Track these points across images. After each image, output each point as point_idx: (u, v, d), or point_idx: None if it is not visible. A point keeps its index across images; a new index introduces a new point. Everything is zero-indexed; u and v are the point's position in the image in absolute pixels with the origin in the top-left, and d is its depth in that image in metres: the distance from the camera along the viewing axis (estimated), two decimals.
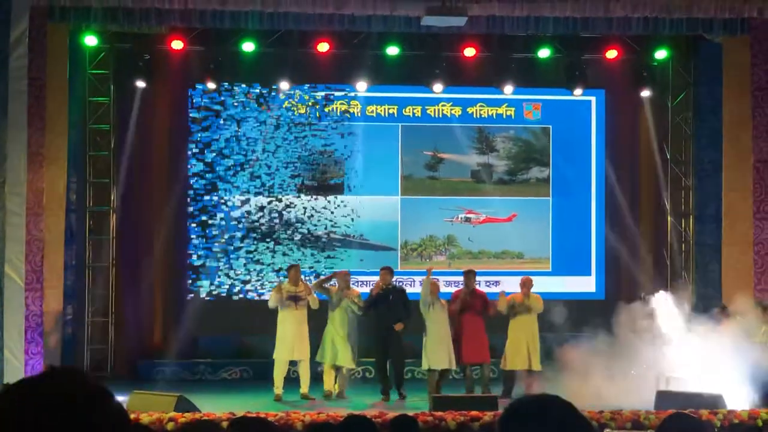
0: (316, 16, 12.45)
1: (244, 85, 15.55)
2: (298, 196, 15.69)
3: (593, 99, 16.17)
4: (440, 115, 16.02)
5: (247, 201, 15.61)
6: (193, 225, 15.53)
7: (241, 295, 15.55)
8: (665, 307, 12.29)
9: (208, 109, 15.56)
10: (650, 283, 15.41)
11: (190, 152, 15.53)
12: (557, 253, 16.16)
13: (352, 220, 15.80)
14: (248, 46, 14.40)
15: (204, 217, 15.55)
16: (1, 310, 11.87)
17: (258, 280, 15.53)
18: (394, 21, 12.65)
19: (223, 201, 15.58)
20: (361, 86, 15.15)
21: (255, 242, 15.61)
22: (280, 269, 15.20)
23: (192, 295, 15.44)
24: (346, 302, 12.83)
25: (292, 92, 15.49)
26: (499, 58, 14.96)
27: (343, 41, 14.48)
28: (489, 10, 12.41)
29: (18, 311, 11.93)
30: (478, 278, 13.64)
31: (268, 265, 15.54)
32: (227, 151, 15.60)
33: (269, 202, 15.64)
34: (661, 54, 15.23)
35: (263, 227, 15.65)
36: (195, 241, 15.53)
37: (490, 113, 16.12)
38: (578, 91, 15.37)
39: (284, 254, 15.59)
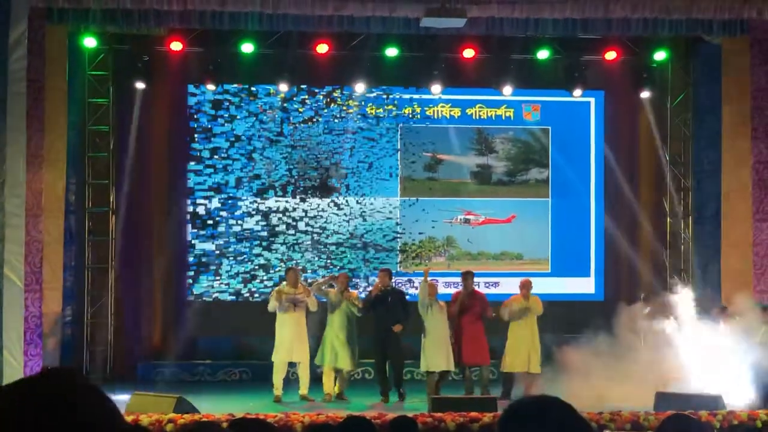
0: (315, 18, 12.45)
1: (243, 86, 15.55)
2: (298, 198, 15.68)
3: (592, 100, 16.18)
4: (439, 117, 16.03)
5: (247, 202, 15.61)
6: (193, 226, 15.52)
7: (240, 297, 15.55)
8: (672, 309, 12.29)
9: (207, 110, 15.56)
10: (649, 284, 15.42)
11: (189, 153, 15.53)
12: (556, 255, 16.17)
13: (349, 222, 15.80)
14: (247, 48, 14.40)
15: (203, 218, 15.55)
16: (0, 312, 11.85)
17: (257, 282, 15.53)
18: (393, 22, 12.65)
19: (222, 202, 15.58)
20: (360, 87, 15.16)
21: (254, 244, 15.60)
22: (279, 270, 15.19)
23: (191, 296, 15.44)
24: (346, 304, 12.83)
25: (292, 93, 15.50)
26: (498, 60, 14.96)
27: (342, 42, 14.48)
28: (488, 12, 12.41)
29: (17, 312, 11.92)
30: (477, 279, 13.64)
31: (268, 266, 15.54)
32: (226, 152, 15.60)
33: (268, 204, 15.63)
34: (660, 55, 15.24)
35: (262, 229, 15.64)
36: (194, 243, 15.52)
37: (489, 114, 16.13)
38: (577, 93, 15.38)
39: (283, 256, 15.59)
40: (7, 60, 11.96)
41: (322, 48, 14.33)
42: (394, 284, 13.70)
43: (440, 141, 16.02)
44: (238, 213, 15.61)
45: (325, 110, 15.77)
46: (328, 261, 15.68)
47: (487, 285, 15.68)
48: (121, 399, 10.37)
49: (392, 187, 15.93)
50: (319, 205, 15.73)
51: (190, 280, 15.48)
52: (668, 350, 11.86)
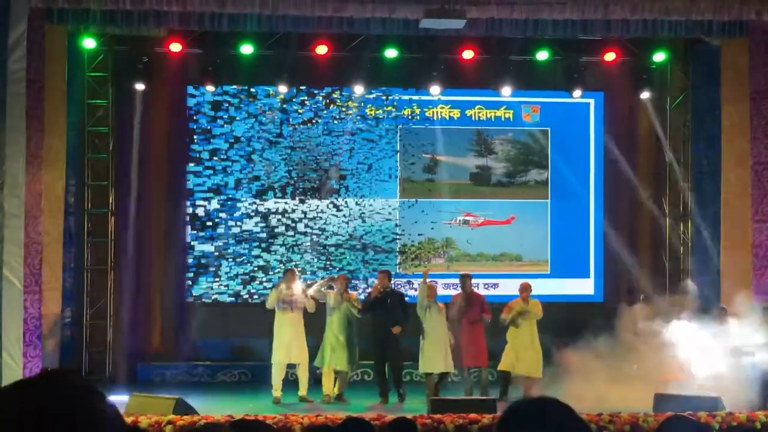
0: (314, 19, 12.44)
1: (242, 88, 15.56)
2: (297, 199, 15.68)
3: (592, 101, 16.19)
4: (439, 118, 16.03)
5: (246, 204, 15.61)
6: (192, 227, 15.52)
7: (239, 298, 15.55)
8: (671, 310, 12.29)
9: (206, 111, 15.56)
10: (649, 286, 15.42)
11: (188, 154, 15.53)
12: (556, 256, 16.17)
13: (348, 223, 15.79)
14: (247, 49, 14.40)
15: (202, 220, 15.55)
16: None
17: (257, 283, 15.52)
18: (393, 23, 12.65)
19: (221, 203, 15.58)
20: (360, 89, 15.16)
21: (253, 245, 15.60)
22: (279, 272, 15.19)
23: (191, 297, 15.44)
24: (346, 306, 12.83)
25: (291, 95, 15.50)
26: (497, 61, 14.97)
27: (341, 44, 14.48)
28: (487, 13, 12.41)
29: (16, 314, 11.91)
30: (476, 281, 13.64)
31: (267, 268, 15.53)
32: (225, 154, 15.60)
33: (268, 205, 15.63)
34: (659, 56, 15.25)
35: (261, 230, 15.64)
36: (193, 244, 15.52)
37: (488, 116, 16.13)
38: (577, 94, 15.39)
39: (282, 257, 15.59)
40: (6, 60, 11.96)
41: (322, 49, 14.33)
42: (393, 286, 13.70)
43: (439, 142, 16.02)
44: (237, 214, 15.61)
45: (325, 111, 15.77)
46: (328, 262, 15.68)
47: (486, 286, 15.69)
48: (120, 400, 10.37)
49: (391, 189, 15.93)
50: (318, 206, 15.73)
51: (190, 282, 15.48)
52: (668, 351, 11.86)
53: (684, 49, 15.35)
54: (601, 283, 16.21)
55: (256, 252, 15.61)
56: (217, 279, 15.54)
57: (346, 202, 15.79)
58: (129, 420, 8.96)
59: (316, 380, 13.18)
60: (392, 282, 13.65)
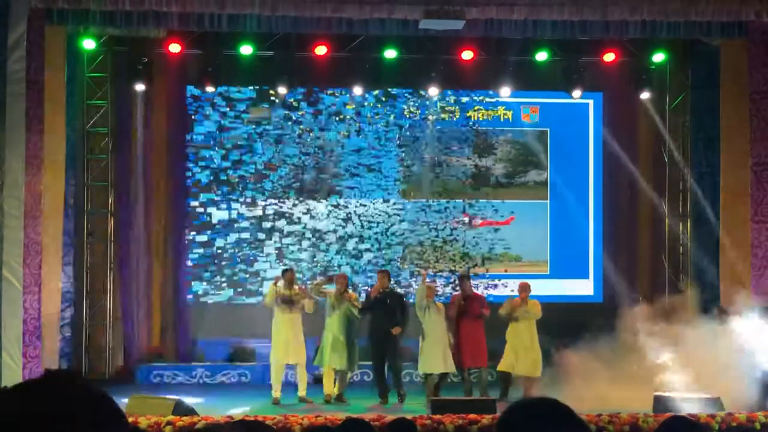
0: (313, 20, 12.44)
1: (242, 88, 15.56)
2: (297, 200, 15.69)
3: (591, 102, 16.20)
4: (438, 118, 16.03)
5: (246, 204, 15.62)
6: (191, 228, 15.52)
7: (239, 299, 15.55)
8: (670, 311, 12.28)
9: (205, 112, 15.57)
10: (648, 286, 15.43)
11: (187, 155, 15.54)
12: (555, 256, 16.17)
13: (348, 223, 15.80)
14: (246, 50, 14.40)
15: (202, 220, 15.56)
16: None
17: (256, 284, 15.52)
18: (392, 24, 12.64)
19: (221, 204, 15.58)
20: (359, 89, 15.17)
21: (253, 246, 15.61)
22: (278, 269, 15.19)
23: (190, 298, 15.44)
24: (346, 306, 12.82)
25: (291, 95, 15.50)
26: (496, 61, 14.97)
27: (341, 44, 14.48)
28: (487, 14, 12.41)
29: (16, 314, 11.90)
30: (476, 281, 13.64)
31: (267, 268, 15.53)
32: (225, 155, 15.60)
33: (268, 206, 15.63)
34: (658, 57, 15.25)
35: (262, 230, 15.65)
36: (193, 245, 15.53)
37: (487, 116, 16.14)
38: (576, 94, 15.39)
39: (282, 258, 15.59)
40: (6, 61, 11.95)
41: (321, 50, 14.33)
42: (392, 286, 13.70)
43: (439, 143, 16.02)
44: (237, 215, 15.61)
45: (324, 112, 15.77)
46: (328, 263, 15.68)
47: (486, 287, 15.69)
48: (119, 401, 10.35)
49: (391, 189, 15.93)
50: (318, 207, 15.73)
51: (189, 283, 15.48)
52: (667, 352, 11.86)
53: (683, 49, 15.35)
54: (600, 283, 16.22)
55: (256, 253, 15.61)
56: (216, 280, 15.54)
57: (345, 203, 15.79)
58: (128, 421, 8.95)
59: (316, 380, 13.18)
60: (392, 282, 13.65)
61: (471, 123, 16.08)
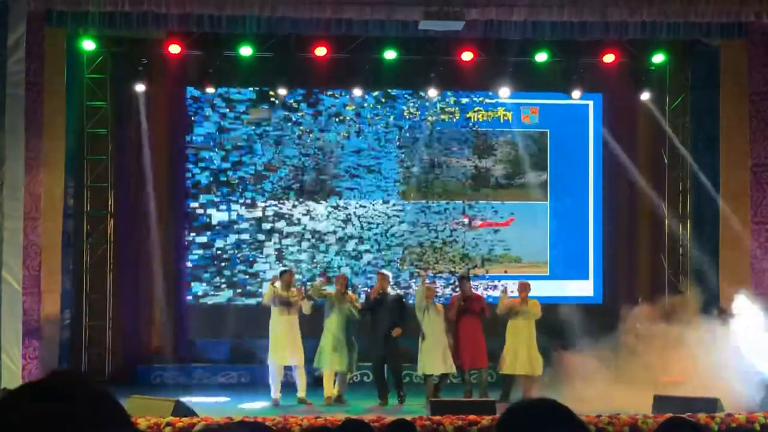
0: (313, 21, 12.45)
1: (242, 89, 15.56)
2: (297, 201, 15.69)
3: (590, 103, 16.19)
4: (438, 119, 16.03)
5: (246, 205, 15.61)
6: (191, 229, 15.52)
7: (238, 300, 15.55)
8: (671, 312, 12.29)
9: (205, 113, 15.57)
10: (648, 287, 15.42)
11: (187, 156, 15.54)
12: (555, 257, 16.17)
13: (346, 224, 15.79)
14: (246, 51, 14.40)
15: (202, 221, 15.55)
16: None
17: (256, 285, 15.52)
18: (392, 25, 12.65)
19: (221, 205, 15.58)
20: (359, 90, 15.18)
21: (253, 247, 15.61)
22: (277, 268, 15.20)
23: (190, 299, 15.43)
24: (348, 306, 12.81)
25: (291, 96, 15.50)
26: (496, 62, 14.97)
27: (340, 45, 14.47)
28: (486, 15, 12.42)
29: (15, 316, 11.91)
30: (476, 282, 13.64)
31: (266, 269, 15.53)
32: (225, 156, 15.60)
33: (267, 207, 15.63)
34: (658, 58, 15.25)
35: (261, 231, 15.65)
36: (193, 246, 15.52)
37: (487, 117, 16.14)
38: (576, 95, 15.39)
39: (282, 259, 15.59)
40: (5, 63, 11.96)
41: (321, 51, 14.33)
42: (391, 288, 13.70)
43: (439, 144, 16.02)
44: (236, 216, 15.61)
45: (324, 113, 15.78)
46: (327, 264, 15.67)
47: (485, 288, 15.69)
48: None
49: (391, 190, 15.93)
50: (318, 208, 15.73)
51: (189, 284, 15.47)
52: (667, 353, 11.85)
53: (683, 50, 15.34)
54: (600, 284, 16.21)
55: (255, 253, 15.61)
56: (216, 280, 15.54)
57: (345, 204, 15.79)
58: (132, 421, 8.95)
59: (316, 382, 13.18)
60: (391, 283, 13.66)
61: (471, 124, 16.08)
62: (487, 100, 15.96)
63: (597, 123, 16.26)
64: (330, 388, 12.75)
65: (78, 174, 14.45)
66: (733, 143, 13.37)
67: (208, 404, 12.11)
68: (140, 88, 14.66)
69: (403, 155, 15.95)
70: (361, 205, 15.81)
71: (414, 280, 15.49)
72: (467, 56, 14.50)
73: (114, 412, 1.66)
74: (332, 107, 15.80)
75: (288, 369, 12.92)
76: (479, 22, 12.56)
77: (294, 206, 15.69)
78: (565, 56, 15.01)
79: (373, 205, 15.85)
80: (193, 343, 15.23)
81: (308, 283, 14.49)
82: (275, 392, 12.62)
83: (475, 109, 16.10)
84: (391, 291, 13.43)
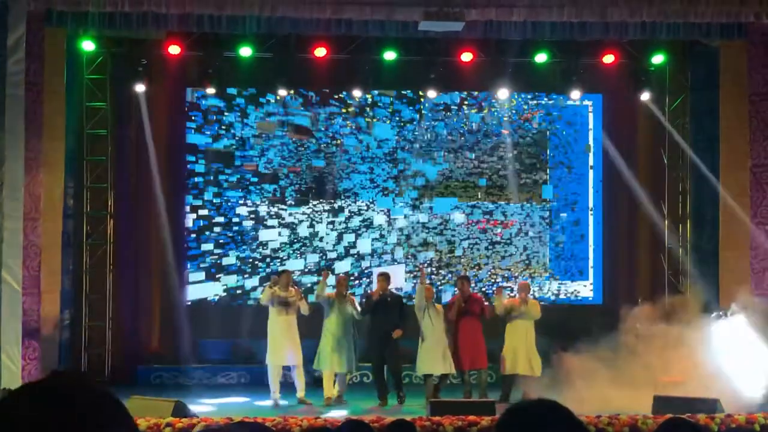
0: (313, 21, 12.45)
1: (242, 90, 15.56)
2: (297, 201, 15.68)
3: (590, 103, 16.20)
4: (437, 120, 16.03)
5: (245, 206, 15.62)
6: (191, 230, 15.52)
7: (238, 301, 15.55)
8: (671, 312, 12.28)
9: (205, 114, 15.57)
10: (648, 287, 15.42)
11: (187, 157, 15.54)
12: (555, 258, 16.17)
13: (346, 225, 15.80)
14: (245, 51, 14.40)
15: (201, 222, 15.55)
16: None
17: (256, 285, 15.52)
18: (392, 26, 12.65)
19: (220, 206, 15.58)
20: (359, 91, 15.18)
21: (252, 247, 15.61)
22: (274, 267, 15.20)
23: (190, 300, 15.43)
24: (348, 307, 12.81)
25: (291, 96, 15.51)
26: (496, 63, 14.96)
27: (340, 46, 14.47)
28: (486, 15, 12.41)
29: (15, 316, 11.91)
30: (476, 283, 13.63)
31: (266, 270, 15.53)
32: (225, 156, 15.60)
33: (267, 208, 15.63)
34: (658, 59, 15.24)
35: (261, 232, 15.64)
36: (192, 246, 15.52)
37: (487, 118, 16.13)
38: (576, 96, 15.39)
39: (282, 259, 15.58)
40: (5, 63, 11.96)
41: (321, 51, 14.33)
42: (391, 289, 13.70)
43: (438, 145, 16.02)
44: (236, 217, 15.61)
45: (324, 113, 15.78)
46: (328, 265, 15.66)
47: (485, 289, 15.69)
48: None
49: (390, 191, 15.92)
50: (317, 208, 15.73)
51: (189, 284, 15.47)
52: (667, 353, 11.85)
53: (683, 51, 15.34)
54: (600, 285, 16.21)
55: (255, 254, 15.61)
56: (216, 281, 15.54)
57: (345, 205, 15.78)
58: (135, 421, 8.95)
59: (315, 382, 13.18)
60: (392, 285, 13.66)
61: (470, 125, 16.07)
62: (487, 101, 15.95)
63: (597, 124, 16.26)
64: (330, 389, 12.75)
65: (78, 174, 14.45)
66: (733, 144, 13.37)
67: (208, 404, 12.11)
68: (140, 88, 14.65)
69: (402, 156, 15.92)
70: (360, 206, 15.80)
71: (414, 281, 15.44)
72: (467, 57, 14.50)
73: (115, 413, 1.66)
74: (332, 107, 15.78)
75: (287, 369, 12.91)
76: (479, 23, 12.56)
77: (294, 207, 15.67)
78: (565, 57, 15.01)
79: (373, 206, 15.83)
80: (193, 344, 15.22)
81: (314, 286, 14.45)
82: (275, 392, 12.62)
83: (475, 109, 16.09)
84: (392, 292, 13.41)
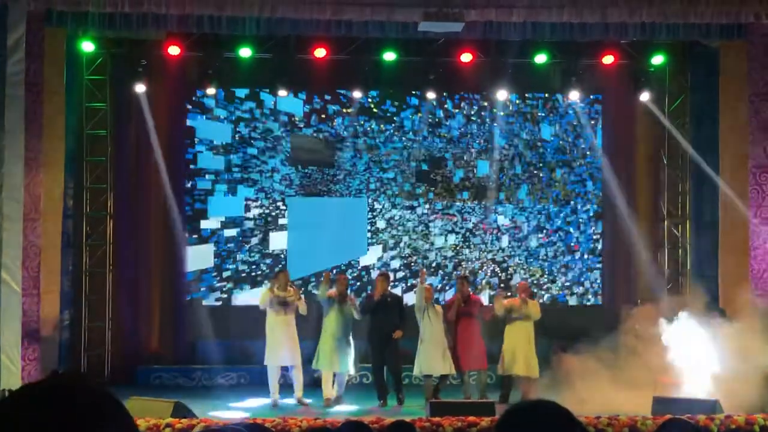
0: (313, 22, 12.45)
1: (241, 91, 15.57)
2: (297, 202, 15.67)
3: (590, 104, 16.19)
4: (437, 121, 16.03)
5: (246, 206, 15.61)
6: (190, 231, 15.51)
7: (238, 301, 15.54)
8: (670, 313, 12.29)
9: (205, 114, 15.57)
10: (647, 289, 15.42)
11: (186, 157, 15.53)
12: (555, 259, 16.16)
13: (346, 226, 15.79)
14: (245, 52, 14.40)
15: (201, 223, 15.54)
16: None
17: (255, 286, 15.51)
18: (391, 27, 12.66)
19: (220, 206, 15.57)
20: (358, 92, 15.18)
21: (252, 248, 15.60)
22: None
23: (189, 300, 15.43)
24: (348, 307, 12.80)
25: (291, 97, 15.51)
26: (495, 64, 14.97)
27: (340, 47, 14.48)
28: (486, 16, 12.42)
29: (15, 317, 11.92)
30: (475, 283, 13.63)
31: (266, 270, 15.53)
32: (224, 157, 15.60)
33: (267, 208, 15.63)
34: (657, 59, 15.25)
35: (261, 233, 15.64)
36: (192, 247, 15.51)
37: (486, 119, 16.13)
38: (575, 96, 15.39)
39: (281, 260, 15.58)
40: (5, 63, 11.97)
41: (320, 52, 14.33)
42: (391, 290, 13.70)
43: (438, 146, 16.02)
44: (236, 217, 15.60)
45: (324, 114, 15.78)
46: (329, 266, 15.64)
47: (485, 289, 15.69)
48: None
49: (389, 192, 15.92)
50: (317, 209, 15.72)
51: (188, 284, 15.47)
52: (666, 355, 11.86)
53: (682, 51, 15.35)
54: (599, 285, 16.21)
55: (254, 255, 15.61)
56: (215, 282, 15.53)
57: (344, 205, 15.78)
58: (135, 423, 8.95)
59: (315, 382, 13.17)
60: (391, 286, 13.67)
61: (470, 126, 16.07)
62: (487, 102, 15.95)
63: (596, 124, 16.26)
64: (329, 389, 12.75)
65: (78, 175, 14.46)
66: (733, 144, 13.38)
67: (207, 405, 12.10)
68: (140, 89, 14.66)
69: (402, 157, 15.92)
70: (360, 207, 15.80)
71: (410, 278, 15.45)
72: (466, 58, 14.51)
73: (115, 413, 1.67)
74: (332, 108, 15.78)
75: (285, 369, 12.90)
76: (478, 24, 12.57)
77: (293, 208, 15.67)
78: (565, 57, 15.02)
79: (372, 206, 15.83)
80: (192, 344, 15.23)
81: (318, 286, 14.46)
82: (274, 393, 12.61)
83: (475, 110, 16.10)
84: (392, 293, 13.41)
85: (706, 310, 12.46)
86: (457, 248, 16.00)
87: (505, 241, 16.09)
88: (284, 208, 15.68)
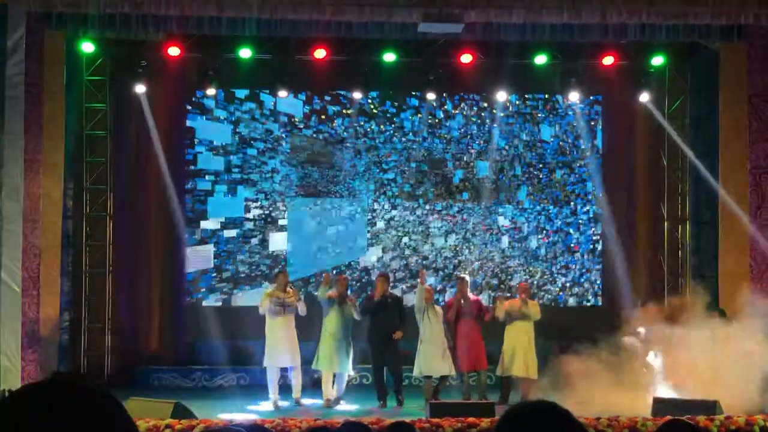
0: (312, 23, 12.45)
1: (241, 92, 15.57)
2: (296, 202, 15.67)
3: (590, 105, 16.19)
4: (436, 122, 16.03)
5: (246, 207, 15.61)
6: (190, 231, 15.51)
7: (238, 302, 15.54)
8: (669, 314, 12.31)
9: (204, 115, 15.57)
10: (648, 289, 15.42)
11: (186, 158, 15.53)
12: (554, 259, 16.16)
13: (346, 226, 15.79)
14: (245, 53, 14.40)
15: (201, 223, 15.54)
16: None
17: (255, 287, 15.51)
18: (391, 28, 12.66)
19: (220, 207, 15.57)
20: (358, 92, 15.18)
21: (252, 249, 15.60)
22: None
23: (189, 301, 15.42)
24: (348, 308, 12.80)
25: (291, 98, 15.51)
26: (495, 65, 14.97)
27: (340, 48, 14.48)
28: (485, 17, 12.41)
29: (15, 317, 11.92)
30: (474, 284, 13.62)
31: (265, 271, 15.53)
32: (224, 158, 15.60)
33: (266, 208, 15.63)
34: (657, 60, 15.25)
35: (261, 233, 15.64)
36: (192, 248, 15.51)
37: (486, 120, 16.13)
38: (575, 97, 15.38)
39: (281, 261, 15.58)
40: (4, 64, 11.98)
41: (320, 53, 14.33)
42: (390, 291, 13.69)
43: (438, 146, 16.02)
44: (236, 218, 15.60)
45: (324, 115, 15.78)
46: (329, 267, 15.66)
47: (485, 290, 15.68)
48: None
49: (389, 193, 15.91)
50: (317, 209, 15.72)
51: (188, 285, 15.47)
52: (666, 355, 11.86)
53: (682, 53, 15.34)
54: (600, 286, 16.21)
55: (254, 256, 15.60)
56: (215, 283, 15.53)
57: (343, 205, 15.78)
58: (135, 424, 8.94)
59: (315, 383, 13.17)
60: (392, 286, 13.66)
61: (470, 126, 16.07)
62: (486, 103, 15.95)
63: (596, 125, 16.26)
64: (329, 390, 12.74)
65: (77, 176, 14.45)
66: (732, 145, 13.38)
67: (207, 406, 12.09)
68: (140, 89, 14.66)
69: (402, 157, 15.92)
70: (360, 207, 15.80)
71: (408, 278, 15.45)
72: (466, 59, 14.50)
73: (115, 414, 1.67)
74: (332, 108, 15.78)
75: (285, 371, 12.89)
76: (478, 25, 12.57)
77: (293, 208, 15.67)
78: (565, 58, 15.02)
79: (372, 207, 15.83)
80: (192, 345, 15.22)
81: (319, 288, 14.45)
82: (274, 394, 12.61)
83: (474, 111, 16.10)
84: (392, 294, 13.41)
85: (705, 311, 12.46)
86: (457, 249, 16.00)
87: (504, 241, 16.10)
88: (284, 208, 15.69)
